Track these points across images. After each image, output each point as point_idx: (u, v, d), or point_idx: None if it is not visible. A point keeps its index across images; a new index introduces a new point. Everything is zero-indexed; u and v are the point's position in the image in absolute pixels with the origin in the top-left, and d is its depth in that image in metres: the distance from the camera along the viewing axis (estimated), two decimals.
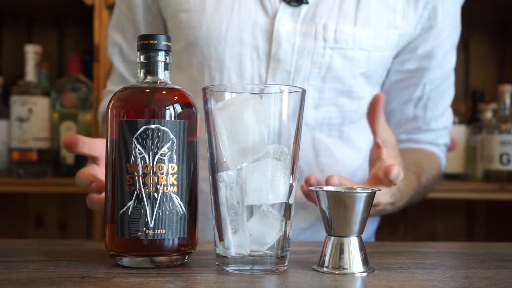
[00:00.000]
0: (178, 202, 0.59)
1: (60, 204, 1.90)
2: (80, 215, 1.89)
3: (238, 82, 0.91)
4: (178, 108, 0.60)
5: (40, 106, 1.58)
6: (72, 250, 0.70)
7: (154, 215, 0.58)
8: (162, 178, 0.59)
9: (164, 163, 0.59)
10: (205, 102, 0.61)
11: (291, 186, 0.60)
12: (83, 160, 0.80)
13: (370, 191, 0.60)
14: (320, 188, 0.61)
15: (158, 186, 0.58)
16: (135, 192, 0.58)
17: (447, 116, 1.06)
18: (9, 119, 1.62)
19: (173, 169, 0.59)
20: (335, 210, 0.60)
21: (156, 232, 0.59)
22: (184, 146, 0.60)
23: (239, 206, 0.58)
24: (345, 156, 0.98)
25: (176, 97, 0.61)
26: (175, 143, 0.59)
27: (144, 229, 0.58)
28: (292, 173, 0.60)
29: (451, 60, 1.02)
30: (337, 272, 0.60)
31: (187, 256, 0.62)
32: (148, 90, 0.61)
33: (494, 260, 0.69)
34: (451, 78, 1.05)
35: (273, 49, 0.91)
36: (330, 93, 0.93)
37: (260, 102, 0.58)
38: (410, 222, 1.95)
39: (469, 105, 1.84)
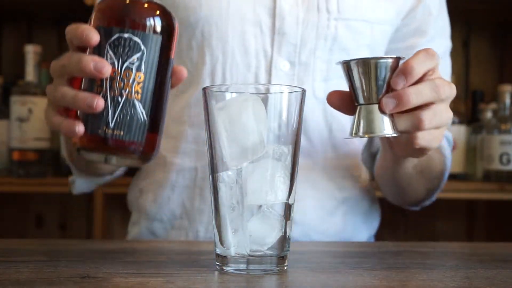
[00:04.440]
0: (140, 110, 0.62)
1: (60, 204, 1.90)
2: (80, 215, 1.89)
3: (243, 60, 0.90)
4: (154, 23, 0.63)
5: (40, 106, 1.58)
6: (72, 250, 0.70)
7: (116, 117, 0.62)
8: (127, 84, 0.62)
9: (131, 71, 0.62)
10: (205, 102, 0.61)
11: (291, 187, 0.60)
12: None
13: (396, 57, 0.63)
14: (350, 59, 0.64)
15: (123, 91, 0.62)
16: (101, 94, 0.62)
17: None
18: (9, 119, 1.62)
19: (139, 78, 0.62)
20: (365, 78, 0.63)
21: (115, 133, 0.62)
22: (154, 59, 0.63)
23: (239, 206, 0.58)
24: None
25: (157, 12, 0.63)
26: (145, 54, 0.62)
27: (105, 128, 0.62)
28: (292, 173, 0.60)
29: (442, 45, 1.00)
30: (368, 135, 0.64)
31: (142, 161, 0.65)
32: (128, 2, 0.64)
33: (494, 260, 0.69)
34: (444, 66, 1.01)
35: (277, 23, 0.90)
36: (338, 65, 0.93)
37: (260, 102, 0.58)
38: (410, 222, 1.95)
39: (469, 105, 1.84)
